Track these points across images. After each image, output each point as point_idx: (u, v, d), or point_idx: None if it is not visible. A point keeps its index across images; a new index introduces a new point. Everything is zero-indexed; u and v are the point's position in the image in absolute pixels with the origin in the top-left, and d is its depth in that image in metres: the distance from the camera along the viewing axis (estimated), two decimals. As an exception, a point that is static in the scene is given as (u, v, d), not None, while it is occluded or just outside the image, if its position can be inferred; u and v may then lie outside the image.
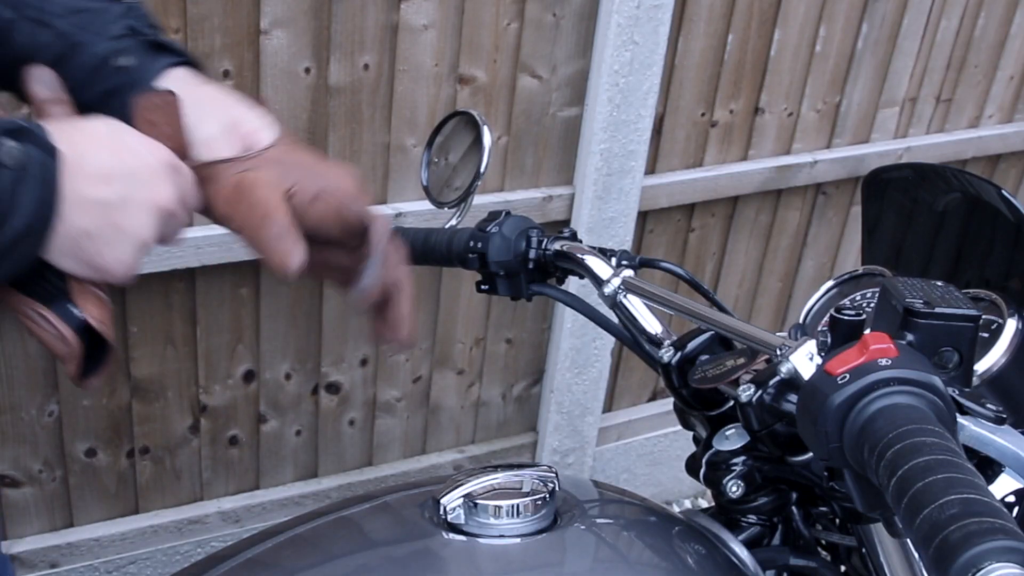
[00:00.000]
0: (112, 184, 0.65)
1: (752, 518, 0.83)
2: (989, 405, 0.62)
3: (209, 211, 0.76)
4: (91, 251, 0.65)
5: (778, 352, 0.69)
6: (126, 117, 0.76)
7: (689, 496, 2.64)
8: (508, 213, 0.99)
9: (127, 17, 0.80)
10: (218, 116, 0.76)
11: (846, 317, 0.64)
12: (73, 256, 0.66)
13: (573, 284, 1.15)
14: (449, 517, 0.76)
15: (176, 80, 0.78)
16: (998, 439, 0.61)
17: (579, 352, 2.17)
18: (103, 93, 0.79)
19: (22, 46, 0.79)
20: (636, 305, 0.90)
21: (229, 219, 0.74)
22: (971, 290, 0.95)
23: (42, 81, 0.75)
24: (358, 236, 0.76)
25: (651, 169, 2.14)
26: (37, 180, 0.61)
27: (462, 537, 0.76)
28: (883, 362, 0.59)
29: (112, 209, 0.65)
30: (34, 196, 0.61)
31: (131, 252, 0.67)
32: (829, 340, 0.65)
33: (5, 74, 0.81)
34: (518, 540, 0.76)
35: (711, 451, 0.80)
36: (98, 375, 0.73)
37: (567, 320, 2.12)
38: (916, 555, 0.72)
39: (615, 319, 0.93)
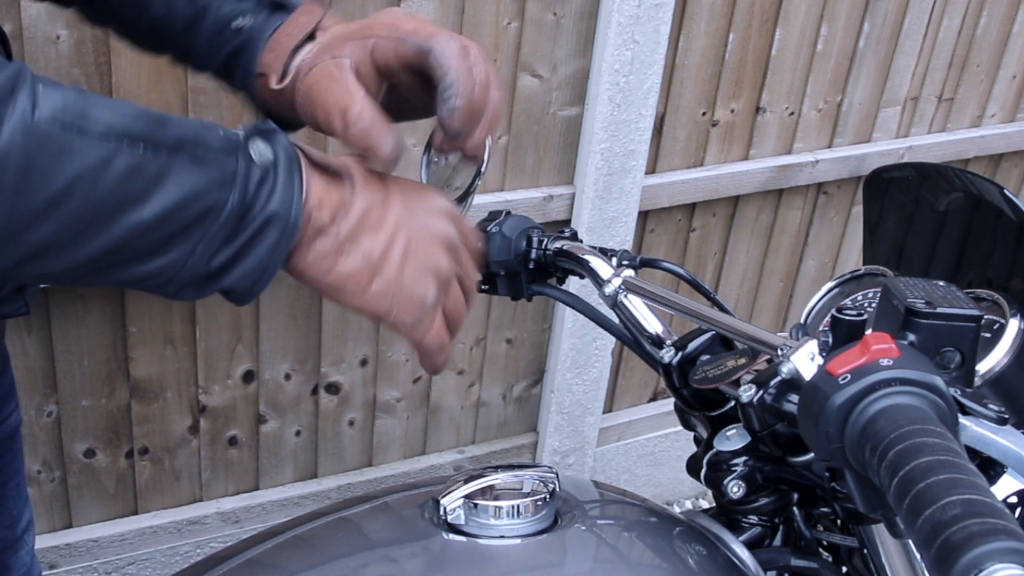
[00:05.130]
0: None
1: (753, 519, 0.83)
2: (991, 405, 0.62)
3: (294, 123, 0.79)
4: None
5: (779, 352, 0.69)
6: (246, 78, 0.80)
7: (690, 497, 2.64)
8: (508, 213, 0.99)
9: None
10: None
11: (847, 317, 0.64)
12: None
13: (573, 284, 1.15)
14: (449, 518, 0.76)
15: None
16: (1000, 440, 0.60)
17: (579, 352, 2.17)
18: (226, 56, 0.81)
19: (159, 14, 0.82)
20: (637, 305, 0.90)
21: (315, 120, 0.75)
22: (973, 290, 0.94)
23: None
24: (429, 68, 0.74)
25: (652, 169, 2.14)
26: (283, 175, 0.64)
27: (462, 538, 0.76)
28: (885, 362, 0.58)
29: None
30: (280, 188, 0.64)
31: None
32: (830, 340, 0.64)
33: (144, 40, 0.86)
34: (518, 541, 0.76)
35: (712, 451, 0.80)
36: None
37: (567, 320, 2.11)
38: (918, 556, 0.71)
39: (616, 319, 0.93)
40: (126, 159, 0.57)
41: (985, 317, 0.85)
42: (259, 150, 0.63)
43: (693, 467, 0.82)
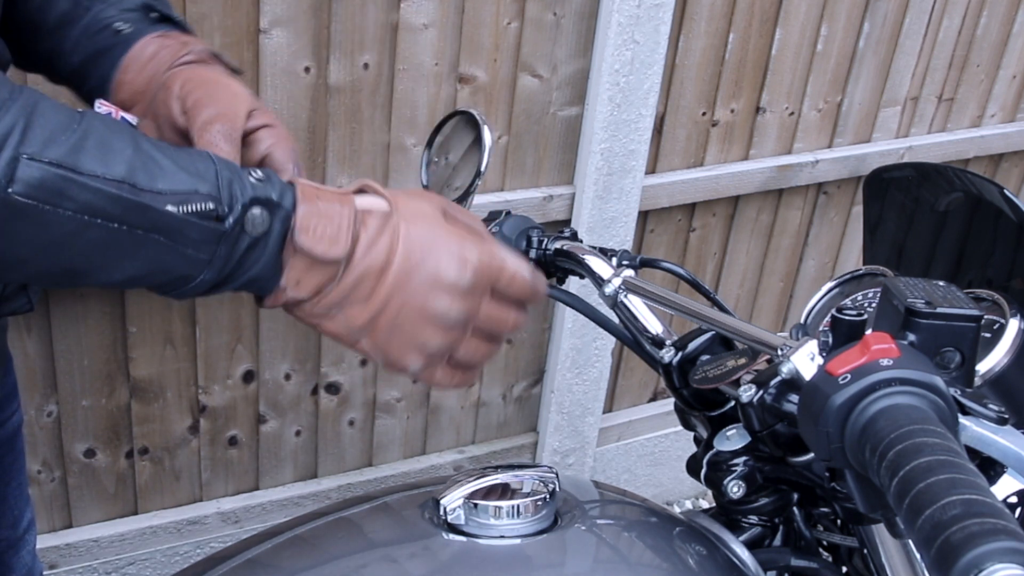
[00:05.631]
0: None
1: (753, 519, 0.83)
2: (991, 405, 0.62)
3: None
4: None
5: (779, 352, 0.68)
6: (108, 76, 0.80)
7: (690, 497, 2.64)
8: (508, 213, 0.99)
9: None
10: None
11: (847, 317, 0.64)
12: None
13: (574, 284, 1.15)
14: (449, 518, 0.76)
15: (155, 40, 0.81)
16: (1000, 440, 0.60)
17: (580, 352, 2.17)
18: (93, 53, 0.81)
19: (36, 8, 0.82)
20: (637, 305, 0.90)
21: (169, 103, 0.76)
22: (973, 290, 0.94)
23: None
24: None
25: (652, 169, 2.14)
26: (270, 249, 0.65)
27: (462, 538, 0.76)
28: (885, 362, 0.58)
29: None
30: (263, 261, 0.65)
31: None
32: (830, 340, 0.64)
33: (15, 37, 0.84)
34: (518, 541, 0.76)
35: (712, 451, 0.80)
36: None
37: (567, 320, 2.11)
38: (918, 556, 0.71)
39: (616, 319, 0.93)
40: (99, 233, 0.59)
41: (985, 317, 0.85)
42: (254, 220, 0.63)
43: (693, 467, 0.82)
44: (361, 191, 0.71)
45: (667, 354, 0.84)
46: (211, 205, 0.62)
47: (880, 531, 0.74)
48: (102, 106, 0.73)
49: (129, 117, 0.74)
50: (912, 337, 0.64)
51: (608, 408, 2.40)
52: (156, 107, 0.78)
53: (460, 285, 0.69)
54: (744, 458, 0.78)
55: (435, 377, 0.74)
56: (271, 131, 0.77)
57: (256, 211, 0.63)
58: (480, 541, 0.75)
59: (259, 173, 0.66)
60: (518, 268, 0.73)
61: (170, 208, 0.60)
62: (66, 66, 0.83)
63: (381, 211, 0.69)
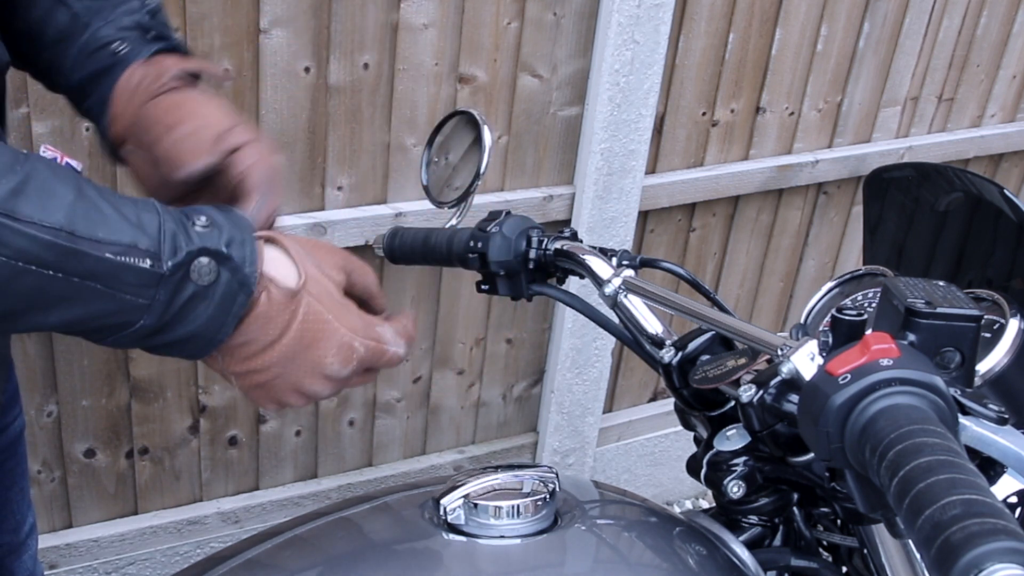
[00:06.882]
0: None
1: (753, 519, 0.83)
2: (991, 405, 0.62)
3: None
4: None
5: (779, 352, 0.68)
6: (106, 98, 0.80)
7: (690, 497, 2.64)
8: (508, 213, 0.99)
9: (139, 13, 0.82)
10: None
11: (847, 317, 0.64)
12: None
13: (573, 284, 1.15)
14: (449, 518, 0.76)
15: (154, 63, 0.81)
16: (1000, 440, 0.60)
17: (580, 352, 2.17)
18: (92, 73, 0.81)
19: (36, 20, 0.82)
20: (637, 305, 0.90)
21: (164, 127, 0.77)
22: (973, 290, 0.94)
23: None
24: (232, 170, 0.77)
25: (652, 169, 2.14)
26: (216, 302, 0.64)
27: (462, 538, 0.76)
28: (885, 362, 0.58)
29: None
30: (207, 315, 0.64)
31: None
32: (830, 340, 0.64)
33: (11, 45, 0.84)
34: (518, 541, 0.76)
35: (712, 451, 0.80)
36: None
37: (567, 320, 2.12)
38: (918, 556, 0.71)
39: (616, 319, 0.93)
40: (33, 280, 0.58)
41: (985, 317, 0.85)
42: (201, 270, 0.63)
43: (693, 467, 0.82)
44: (270, 240, 0.72)
45: (667, 354, 0.84)
46: (148, 262, 0.61)
47: (880, 531, 0.74)
48: (47, 150, 0.72)
49: (74, 163, 0.73)
50: (912, 337, 0.64)
51: (608, 408, 2.40)
52: (145, 140, 0.78)
53: (339, 376, 0.73)
54: (744, 458, 0.79)
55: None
56: (249, 150, 0.77)
57: (204, 260, 0.63)
58: (480, 541, 0.75)
59: (203, 220, 0.65)
60: (396, 349, 0.76)
61: (108, 255, 0.60)
62: (66, 82, 0.83)
63: (287, 289, 0.69)
